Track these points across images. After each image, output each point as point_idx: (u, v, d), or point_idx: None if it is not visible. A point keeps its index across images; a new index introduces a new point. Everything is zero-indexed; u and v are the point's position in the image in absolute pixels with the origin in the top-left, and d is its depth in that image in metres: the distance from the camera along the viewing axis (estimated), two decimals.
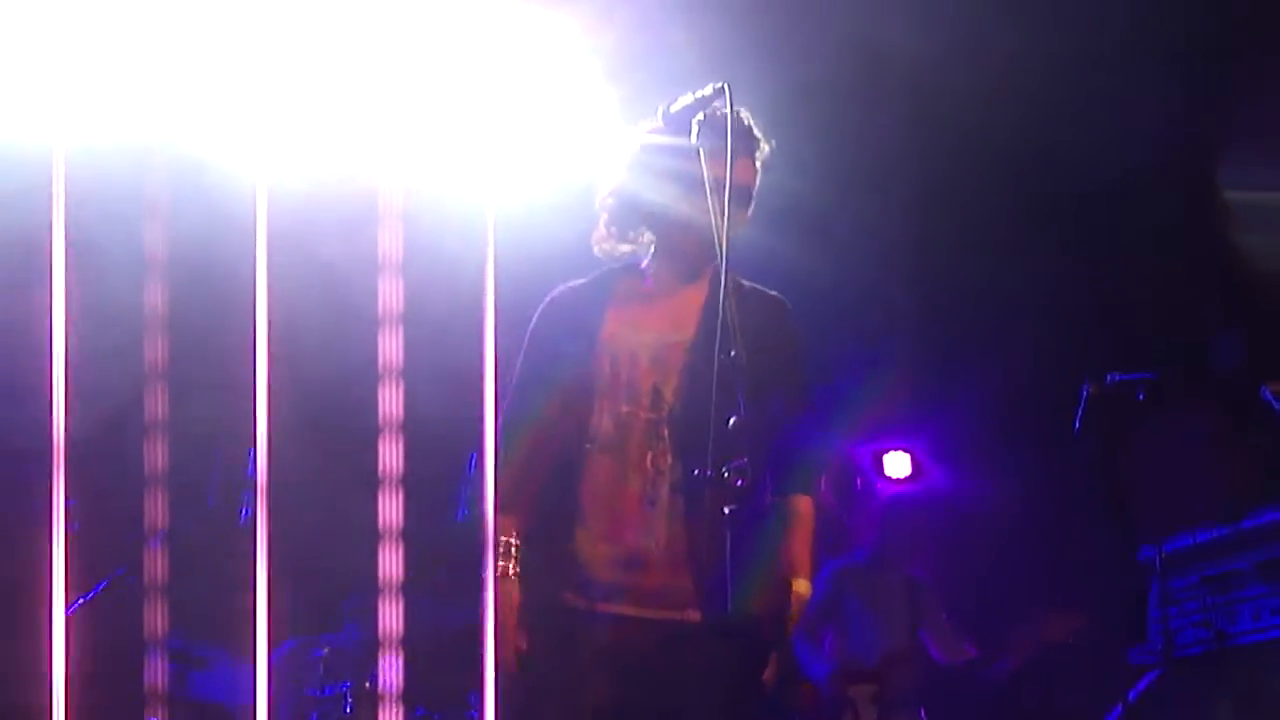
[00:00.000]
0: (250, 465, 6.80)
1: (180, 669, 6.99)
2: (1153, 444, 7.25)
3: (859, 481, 8.99)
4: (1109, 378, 6.17)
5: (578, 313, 4.34)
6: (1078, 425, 6.19)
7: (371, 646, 7.08)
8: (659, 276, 4.37)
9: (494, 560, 4.23)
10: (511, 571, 4.23)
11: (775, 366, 4.17)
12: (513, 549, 4.24)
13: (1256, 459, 7.51)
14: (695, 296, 4.29)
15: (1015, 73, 7.27)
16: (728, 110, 3.76)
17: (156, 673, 6.83)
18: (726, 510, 3.71)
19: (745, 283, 4.24)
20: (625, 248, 4.42)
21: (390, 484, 2.30)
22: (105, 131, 5.12)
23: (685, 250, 4.26)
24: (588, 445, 4.23)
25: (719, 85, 3.80)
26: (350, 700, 6.88)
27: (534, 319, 4.41)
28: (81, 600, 6.54)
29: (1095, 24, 7.03)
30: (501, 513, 4.24)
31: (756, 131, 4.22)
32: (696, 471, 3.81)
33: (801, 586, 4.18)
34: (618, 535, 4.19)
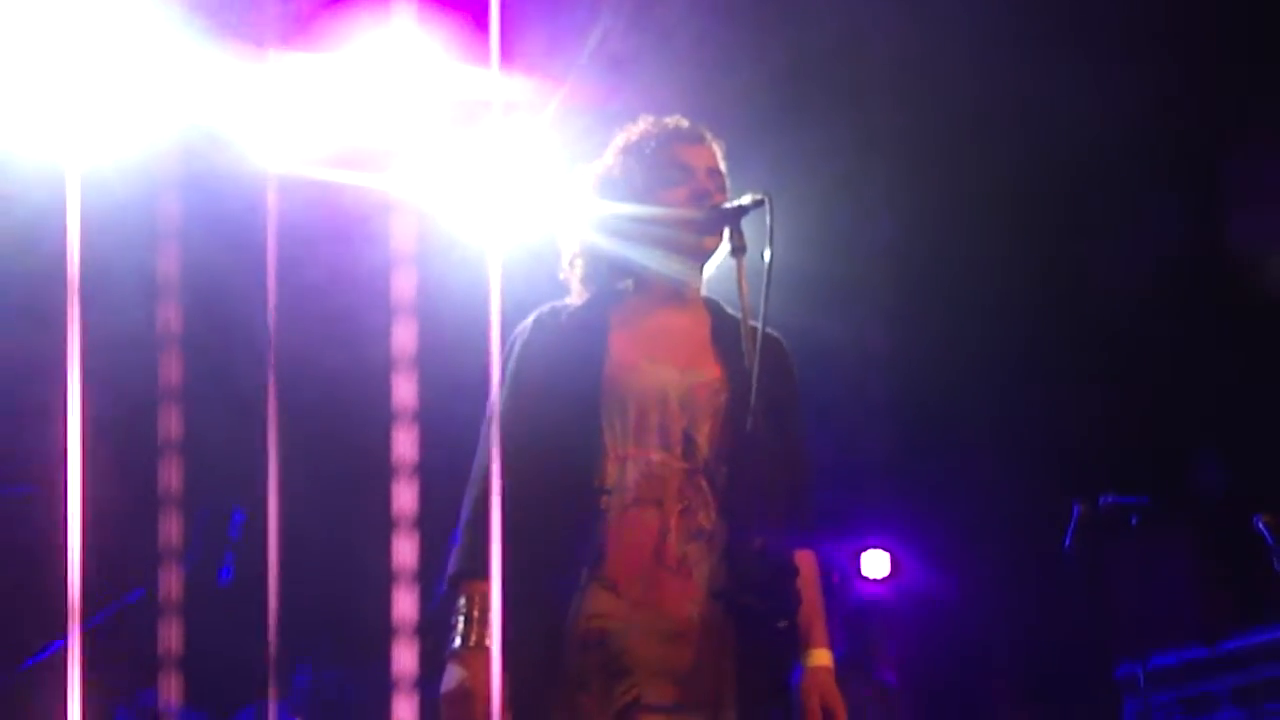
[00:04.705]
0: (232, 526, 6.75)
1: None
2: (1137, 564, 7.25)
3: (835, 579, 8.88)
4: (1102, 499, 6.12)
5: (576, 334, 3.87)
6: (1068, 543, 6.14)
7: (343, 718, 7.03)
8: (646, 302, 3.94)
9: (453, 632, 3.62)
10: (486, 640, 3.59)
11: (782, 409, 3.82)
12: (487, 616, 3.60)
13: (1237, 583, 7.50)
14: (697, 327, 3.94)
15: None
16: (769, 221, 3.58)
17: None
18: (783, 624, 3.45)
19: (752, 323, 3.65)
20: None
21: (405, 526, 2.25)
22: (116, 150, 5.11)
23: (667, 282, 3.93)
24: (605, 496, 3.71)
25: (759, 197, 3.71)
26: None
27: (520, 336, 3.91)
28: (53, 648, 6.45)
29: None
30: (467, 577, 3.65)
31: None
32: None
33: (824, 658, 3.80)
34: (656, 601, 3.66)
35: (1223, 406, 7.79)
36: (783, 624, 3.47)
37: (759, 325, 3.56)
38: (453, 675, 3.59)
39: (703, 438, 3.77)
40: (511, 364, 3.86)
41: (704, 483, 3.75)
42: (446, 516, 3.66)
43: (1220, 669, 6.93)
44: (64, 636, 6.38)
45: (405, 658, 2.32)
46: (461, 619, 3.63)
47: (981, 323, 7.97)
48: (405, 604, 2.34)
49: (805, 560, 3.83)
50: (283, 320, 2.96)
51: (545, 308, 3.96)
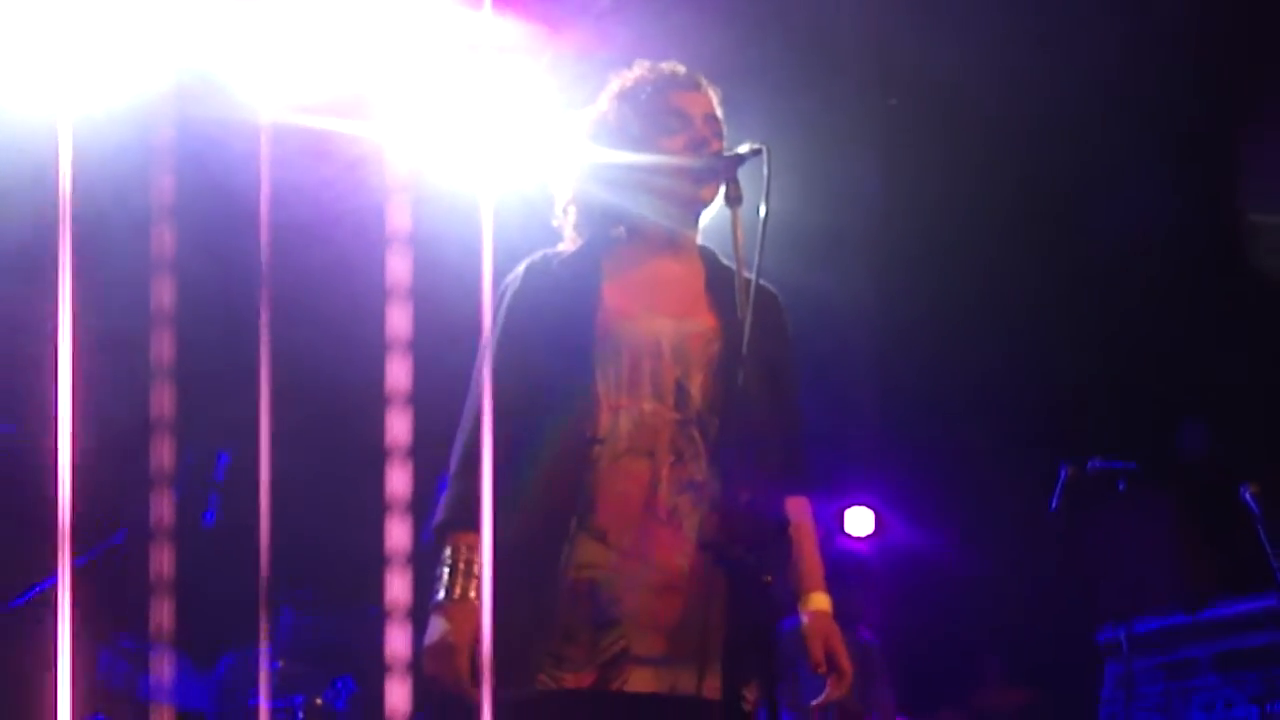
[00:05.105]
0: (217, 468, 6.73)
1: (132, 669, 6.87)
2: (1123, 528, 7.26)
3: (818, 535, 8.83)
4: (1090, 463, 6.12)
5: (568, 282, 3.79)
6: (1054, 505, 6.14)
7: (326, 664, 7.02)
8: (640, 250, 3.86)
9: (438, 583, 3.58)
10: (471, 593, 3.56)
11: (775, 362, 3.79)
12: (472, 568, 3.57)
13: (1221, 551, 7.51)
14: (691, 276, 3.87)
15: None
16: (765, 172, 3.52)
17: (107, 672, 6.74)
18: (768, 579, 3.37)
19: (746, 274, 3.58)
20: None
21: (399, 455, 2.22)
22: (111, 105, 5.08)
23: (662, 230, 3.85)
24: (597, 445, 3.64)
25: (757, 147, 3.66)
26: (301, 715, 6.78)
27: (511, 285, 3.83)
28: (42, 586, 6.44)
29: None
30: (454, 528, 3.62)
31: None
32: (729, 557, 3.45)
33: (823, 602, 3.76)
34: (646, 552, 3.61)
35: (1214, 376, 7.80)
36: (768, 578, 3.44)
37: (753, 277, 3.53)
38: (436, 628, 3.56)
39: (696, 388, 3.71)
40: (502, 312, 3.80)
41: (696, 434, 3.69)
42: (437, 449, 3.63)
43: (1202, 635, 6.94)
44: (50, 577, 6.38)
45: (398, 587, 2.31)
46: (447, 570, 3.59)
47: (973, 284, 7.97)
48: (398, 534, 2.32)
49: (799, 507, 3.82)
50: (275, 271, 2.93)
51: (536, 255, 3.88)
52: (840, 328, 8.09)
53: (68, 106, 2.60)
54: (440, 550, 3.64)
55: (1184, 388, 8.01)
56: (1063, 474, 6.16)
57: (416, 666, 3.37)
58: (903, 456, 8.87)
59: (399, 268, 2.48)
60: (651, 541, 3.62)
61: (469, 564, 3.59)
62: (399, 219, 2.59)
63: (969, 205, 7.63)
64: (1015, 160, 7.55)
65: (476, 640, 3.50)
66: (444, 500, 3.67)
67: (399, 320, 2.35)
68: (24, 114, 5.01)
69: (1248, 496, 5.80)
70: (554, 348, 3.71)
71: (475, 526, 3.50)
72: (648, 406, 3.68)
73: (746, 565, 3.43)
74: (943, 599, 8.82)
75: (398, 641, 2.28)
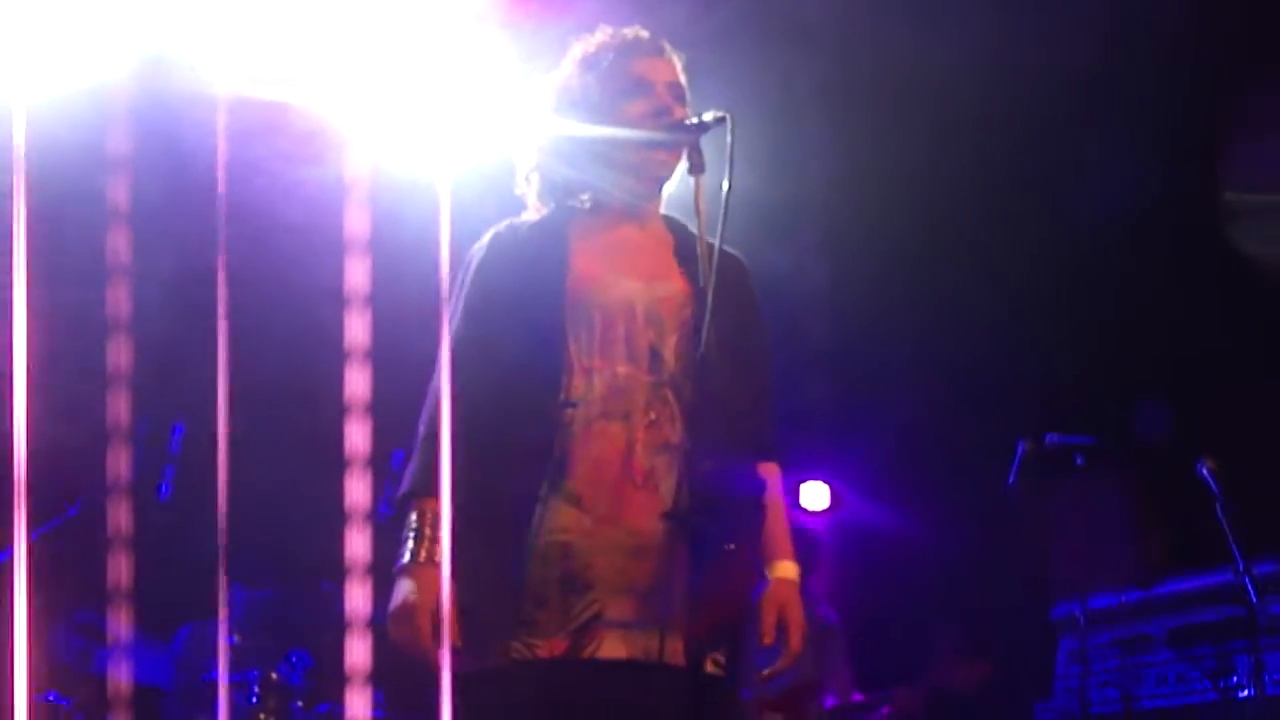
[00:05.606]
0: (172, 440, 6.68)
1: (86, 644, 6.82)
2: (1076, 504, 7.25)
3: None
4: (1047, 438, 6.11)
5: (536, 248, 3.81)
6: (1011, 480, 6.14)
7: (281, 638, 6.99)
8: (605, 218, 3.89)
9: (403, 548, 3.59)
10: (436, 556, 3.52)
11: (744, 328, 3.82)
12: (438, 532, 3.56)
13: (1174, 527, 7.52)
14: (659, 243, 3.89)
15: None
16: (729, 140, 3.51)
17: (62, 647, 6.70)
18: (731, 546, 3.39)
19: (712, 240, 3.59)
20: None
21: (358, 411, 2.19)
22: (67, 78, 5.03)
23: (626, 198, 3.87)
24: (570, 409, 3.65)
25: (720, 115, 3.64)
26: (256, 689, 6.75)
27: (477, 255, 3.85)
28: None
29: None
30: (419, 494, 3.63)
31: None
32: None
33: (786, 570, 3.78)
34: (621, 516, 3.62)
35: (1171, 350, 7.80)
36: (731, 546, 3.43)
37: (715, 243, 3.52)
38: (400, 591, 3.56)
39: (669, 351, 3.73)
40: (468, 282, 3.81)
41: (671, 397, 3.70)
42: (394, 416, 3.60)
43: (1157, 611, 6.95)
44: (5, 550, 6.33)
45: (358, 544, 2.28)
46: (412, 535, 3.60)
47: (932, 258, 7.96)
48: (358, 491, 2.30)
49: (768, 473, 3.85)
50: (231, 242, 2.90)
51: (502, 225, 3.89)
52: (797, 300, 8.06)
53: (22, 83, 2.56)
54: (405, 516, 3.63)
55: (1145, 363, 8.02)
56: (1020, 448, 6.16)
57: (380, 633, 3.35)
58: (859, 430, 8.85)
59: (356, 224, 2.45)
60: (626, 505, 3.62)
61: (434, 528, 3.58)
62: (357, 189, 2.55)
63: (928, 180, 7.61)
64: (973, 135, 7.53)
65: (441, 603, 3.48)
66: (410, 470, 3.66)
67: (357, 273, 2.32)
68: None
69: (1205, 473, 5.80)
70: (524, 313, 3.71)
71: (440, 493, 3.48)
72: (622, 369, 3.69)
73: (708, 533, 3.42)
74: (898, 573, 8.82)
75: (357, 597, 2.25)
